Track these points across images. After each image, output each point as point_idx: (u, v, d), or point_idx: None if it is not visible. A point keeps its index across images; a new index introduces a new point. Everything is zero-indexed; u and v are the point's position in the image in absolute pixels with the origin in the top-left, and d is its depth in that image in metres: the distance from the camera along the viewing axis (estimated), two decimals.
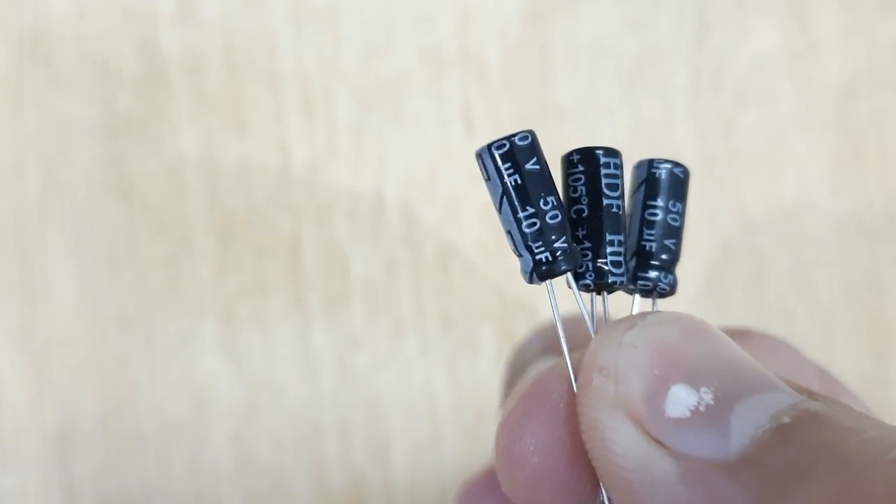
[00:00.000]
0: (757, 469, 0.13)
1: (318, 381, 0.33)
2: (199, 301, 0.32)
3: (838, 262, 0.35)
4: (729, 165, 0.35)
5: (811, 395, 0.14)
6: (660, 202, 0.17)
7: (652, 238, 0.17)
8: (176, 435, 0.32)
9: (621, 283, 0.17)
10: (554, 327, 0.16)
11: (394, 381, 0.33)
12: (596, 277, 0.16)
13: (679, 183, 0.17)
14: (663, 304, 0.18)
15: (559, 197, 0.16)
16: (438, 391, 0.33)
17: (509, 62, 0.34)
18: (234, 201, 0.33)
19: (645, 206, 0.17)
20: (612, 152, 0.17)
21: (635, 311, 0.17)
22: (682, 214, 0.17)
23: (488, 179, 0.16)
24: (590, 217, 0.16)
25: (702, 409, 0.14)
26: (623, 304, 0.18)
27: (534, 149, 0.16)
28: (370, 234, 0.33)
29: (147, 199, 0.33)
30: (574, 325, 0.17)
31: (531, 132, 0.16)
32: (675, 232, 0.17)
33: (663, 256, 0.17)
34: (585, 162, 0.17)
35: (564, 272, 0.16)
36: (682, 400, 0.14)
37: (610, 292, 0.17)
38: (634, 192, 0.17)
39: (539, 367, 0.20)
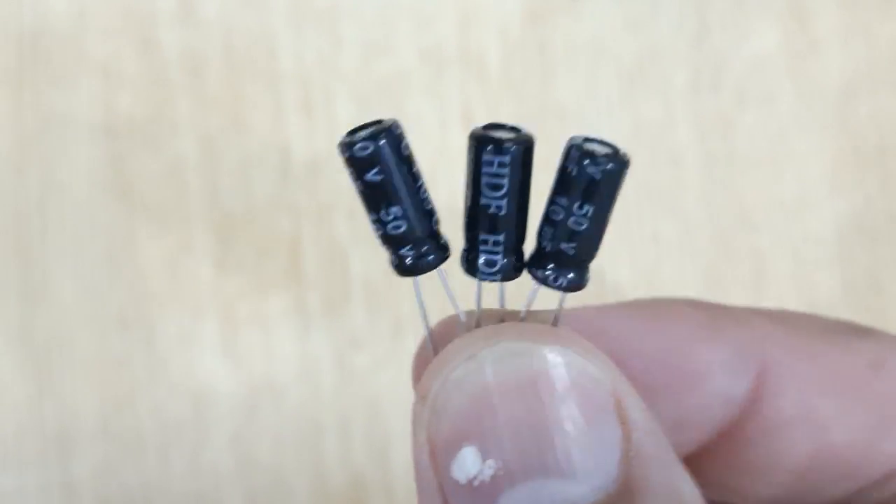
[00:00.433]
0: None
1: (318, 381, 0.33)
2: (199, 301, 0.32)
3: (838, 262, 0.35)
4: (729, 165, 0.35)
5: (621, 494, 0.14)
6: (563, 201, 0.15)
7: (547, 236, 0.15)
8: (176, 435, 0.32)
9: (493, 280, 0.15)
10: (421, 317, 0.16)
11: (394, 381, 0.33)
12: (467, 270, 0.16)
13: (593, 184, 0.14)
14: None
15: (414, 200, 0.15)
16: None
17: (509, 62, 0.34)
18: (234, 201, 0.33)
19: (550, 201, 0.15)
20: (498, 147, 0.14)
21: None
22: (593, 218, 0.15)
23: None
24: (470, 211, 0.15)
25: (475, 483, 0.14)
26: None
27: (374, 158, 0.15)
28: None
29: (147, 199, 0.33)
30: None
31: (386, 132, 0.15)
32: (578, 236, 0.15)
33: (559, 257, 0.15)
34: (471, 151, 0.15)
35: (412, 274, 0.15)
36: (466, 465, 0.14)
37: (511, 279, 0.16)
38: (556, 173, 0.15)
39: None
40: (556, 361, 0.14)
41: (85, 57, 0.33)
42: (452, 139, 0.34)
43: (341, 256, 0.33)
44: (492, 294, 0.16)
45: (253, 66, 0.33)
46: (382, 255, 0.17)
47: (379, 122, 0.15)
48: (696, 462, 0.19)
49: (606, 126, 0.35)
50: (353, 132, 0.15)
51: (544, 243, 0.15)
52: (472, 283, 0.16)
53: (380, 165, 0.15)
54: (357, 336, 0.33)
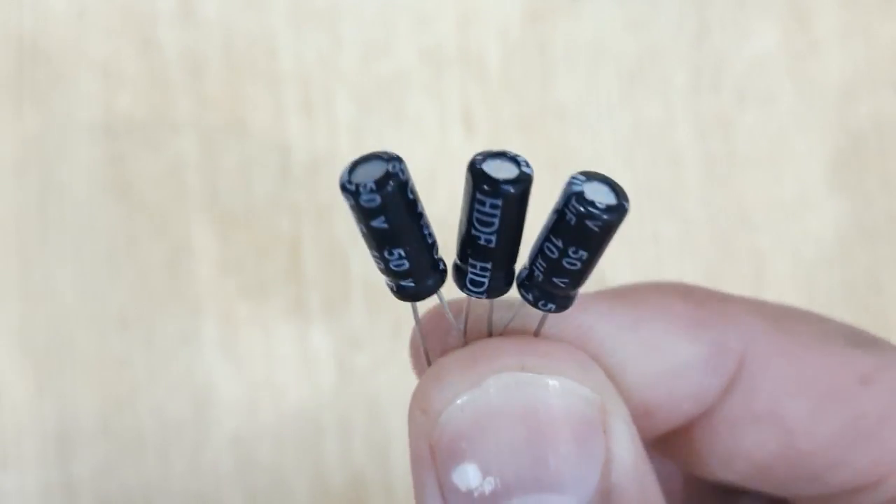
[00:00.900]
0: None
1: (318, 381, 0.33)
2: (199, 301, 0.32)
3: (838, 262, 0.35)
4: (729, 165, 0.35)
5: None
6: (559, 243, 0.15)
7: (541, 269, 0.15)
8: (176, 435, 0.32)
9: (479, 297, 0.16)
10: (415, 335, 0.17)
11: (394, 381, 0.33)
12: (455, 282, 0.16)
13: (590, 234, 0.15)
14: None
15: (416, 243, 0.15)
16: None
17: (509, 62, 0.34)
18: (234, 201, 0.33)
19: (546, 237, 0.15)
20: (493, 189, 0.15)
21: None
22: (587, 260, 0.15)
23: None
24: (463, 236, 0.16)
25: (475, 494, 0.15)
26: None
27: (381, 209, 0.14)
28: None
29: (147, 199, 0.33)
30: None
31: (392, 179, 0.14)
32: (570, 274, 0.15)
33: (550, 286, 0.15)
34: (468, 182, 0.15)
35: (412, 300, 0.16)
36: (468, 478, 0.15)
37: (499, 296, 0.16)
38: (553, 209, 0.15)
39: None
40: (556, 391, 0.15)
41: (85, 57, 0.33)
42: (452, 139, 0.34)
43: (341, 256, 0.33)
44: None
45: (253, 66, 0.33)
46: None
47: (381, 156, 0.15)
48: (662, 442, 0.19)
49: (606, 126, 0.35)
50: (353, 168, 0.15)
51: (537, 273, 0.16)
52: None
53: (385, 215, 0.15)
54: (357, 336, 0.33)
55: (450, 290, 0.16)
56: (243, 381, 0.32)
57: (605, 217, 0.15)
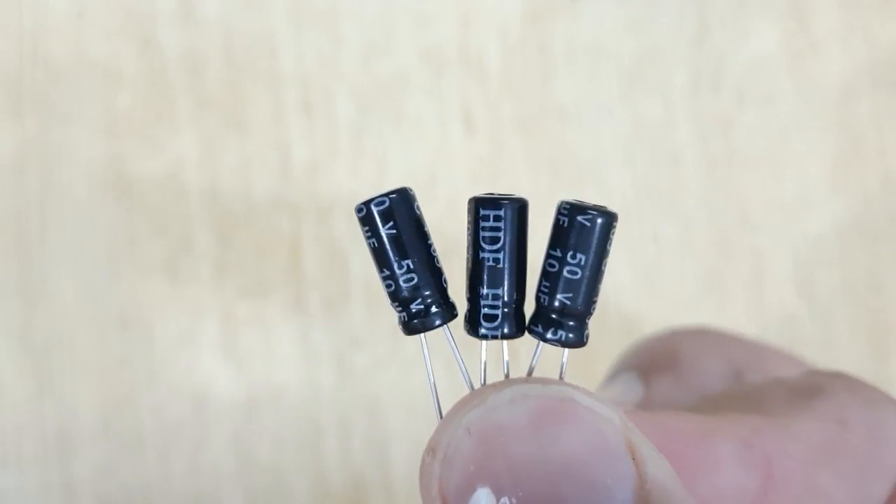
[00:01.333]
0: None
1: (318, 381, 0.33)
2: (199, 301, 0.32)
3: (838, 262, 0.35)
4: (729, 165, 0.35)
5: None
6: (558, 252, 0.16)
7: (546, 290, 0.16)
8: (176, 435, 0.32)
9: (494, 336, 0.16)
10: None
11: (394, 381, 0.33)
12: (469, 329, 0.17)
13: (585, 232, 0.16)
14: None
15: (424, 256, 0.16)
16: (439, 391, 0.33)
17: (509, 62, 0.34)
18: (234, 201, 0.33)
19: (546, 255, 0.16)
20: (494, 203, 0.16)
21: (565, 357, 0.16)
22: (585, 266, 0.16)
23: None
24: (470, 268, 0.16)
25: None
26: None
27: (389, 212, 0.16)
28: None
29: (147, 199, 0.33)
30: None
31: (398, 192, 0.16)
32: (573, 286, 0.16)
33: (556, 310, 0.16)
34: (471, 212, 0.16)
35: (419, 332, 0.16)
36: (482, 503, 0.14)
37: (513, 337, 0.16)
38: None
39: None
40: (567, 397, 0.14)
41: (85, 57, 0.33)
42: (452, 139, 0.34)
43: (341, 256, 0.33)
44: (495, 360, 0.17)
45: (253, 66, 0.33)
46: None
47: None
48: None
49: (606, 126, 0.35)
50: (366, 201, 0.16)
51: (542, 299, 0.16)
52: (475, 344, 0.17)
53: (394, 220, 0.16)
54: (357, 336, 0.33)
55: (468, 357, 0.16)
56: (243, 381, 0.32)
57: (594, 213, 0.16)
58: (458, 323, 0.17)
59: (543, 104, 0.34)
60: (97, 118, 0.33)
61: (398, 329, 0.17)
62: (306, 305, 0.33)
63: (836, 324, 0.34)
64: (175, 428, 0.32)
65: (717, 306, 0.34)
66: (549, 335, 0.16)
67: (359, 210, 0.16)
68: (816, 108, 0.35)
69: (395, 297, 0.16)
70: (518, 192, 0.16)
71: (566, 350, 0.16)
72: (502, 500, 0.14)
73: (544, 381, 0.15)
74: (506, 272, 0.16)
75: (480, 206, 0.16)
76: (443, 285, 0.16)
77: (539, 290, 0.16)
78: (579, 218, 0.16)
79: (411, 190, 0.16)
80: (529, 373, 0.17)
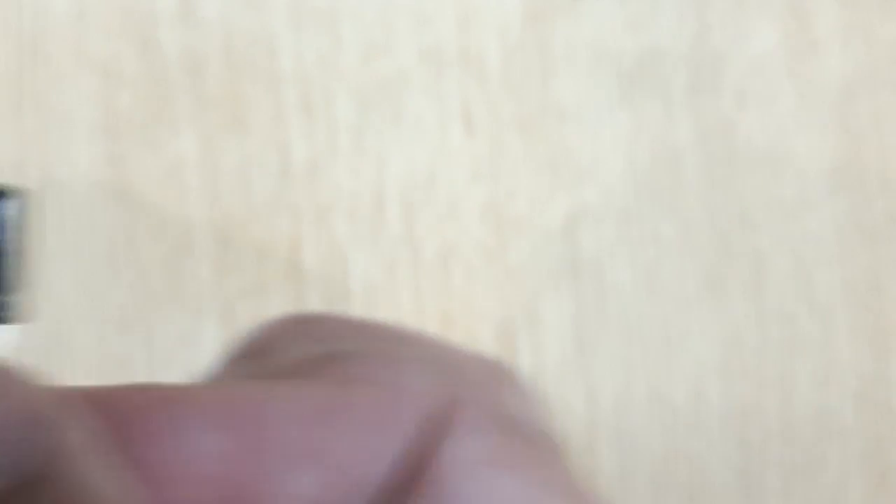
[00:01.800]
0: None
1: None
2: (199, 301, 0.32)
3: (838, 262, 0.35)
4: (729, 165, 0.35)
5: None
6: None
7: None
8: None
9: None
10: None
11: None
12: None
13: None
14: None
15: None
16: None
17: (509, 62, 0.34)
18: (234, 201, 0.33)
19: None
20: None
21: None
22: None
23: None
24: None
25: None
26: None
27: None
28: (370, 234, 0.33)
29: (147, 199, 0.33)
30: None
31: None
32: None
33: None
34: None
35: None
36: None
37: None
38: None
39: None
40: None
41: (85, 57, 0.33)
42: (452, 139, 0.34)
43: (341, 256, 0.33)
44: None
45: (253, 66, 0.33)
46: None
47: None
48: None
49: (606, 126, 0.35)
50: None
51: None
52: None
53: None
54: None
55: None
56: None
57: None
58: None
59: (543, 104, 0.34)
60: (97, 118, 0.33)
61: None
62: (306, 305, 0.33)
63: (836, 324, 0.34)
64: None
65: (717, 306, 0.34)
66: None
67: None
68: (816, 108, 0.35)
69: None
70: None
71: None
72: None
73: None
74: None
75: None
76: None
77: None
78: None
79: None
80: None
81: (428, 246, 0.33)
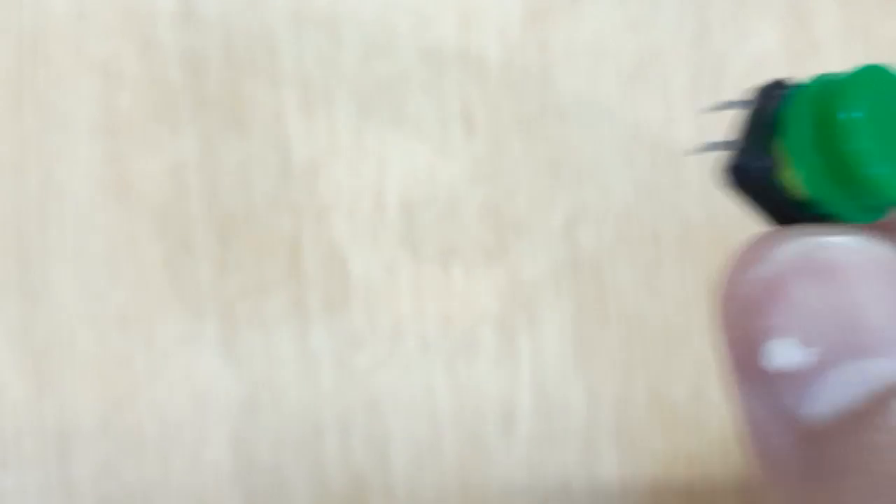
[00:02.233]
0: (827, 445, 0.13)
1: (318, 381, 0.33)
2: (199, 301, 0.32)
3: None
4: None
5: None
6: None
7: None
8: (176, 435, 0.32)
9: None
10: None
11: (394, 381, 0.33)
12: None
13: None
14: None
15: None
16: (438, 391, 0.33)
17: (509, 62, 0.34)
18: (234, 201, 0.33)
19: None
20: None
21: None
22: None
23: None
24: None
25: (789, 371, 0.14)
26: None
27: None
28: (370, 234, 0.33)
29: (147, 199, 0.33)
30: None
31: None
32: None
33: None
34: None
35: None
36: (776, 356, 0.14)
37: None
38: None
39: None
40: (850, 248, 0.14)
41: (85, 57, 0.33)
42: (452, 139, 0.34)
43: (341, 256, 0.33)
44: None
45: (253, 66, 0.33)
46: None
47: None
48: None
49: (606, 126, 0.35)
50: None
51: None
52: None
53: None
54: (357, 336, 0.33)
55: None
56: (243, 381, 0.32)
57: None
58: None
59: (543, 104, 0.34)
60: (97, 118, 0.33)
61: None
62: (306, 305, 0.33)
63: None
64: (175, 428, 0.32)
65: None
66: None
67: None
68: None
69: None
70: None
71: None
72: (797, 350, 0.14)
73: (826, 232, 0.15)
74: None
75: None
76: None
77: None
78: None
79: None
80: None
81: (428, 246, 0.33)
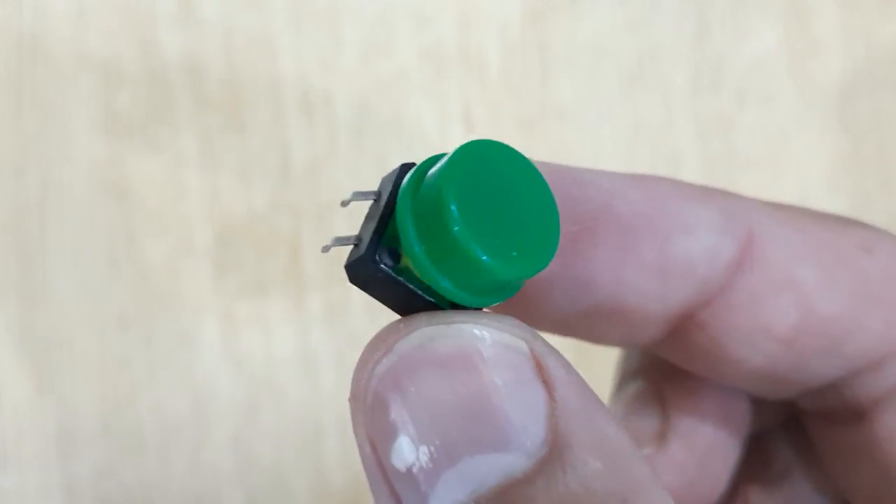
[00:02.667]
0: None
1: (318, 381, 0.33)
2: (199, 301, 0.32)
3: None
4: (729, 165, 0.35)
5: (553, 448, 0.13)
6: None
7: None
8: (176, 435, 0.32)
9: None
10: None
11: None
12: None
13: None
14: None
15: None
16: None
17: (509, 62, 0.35)
18: (234, 201, 0.33)
19: None
20: None
21: None
22: None
23: None
24: None
25: (415, 470, 0.13)
26: None
27: None
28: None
29: (147, 199, 0.33)
30: None
31: None
32: None
33: None
34: None
35: None
36: (403, 454, 0.13)
37: None
38: None
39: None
40: (471, 335, 0.14)
41: (85, 57, 0.33)
42: (452, 139, 0.34)
43: (341, 257, 0.33)
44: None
45: (253, 66, 0.33)
46: None
47: None
48: (683, 331, 0.19)
49: (606, 126, 0.35)
50: None
51: None
52: None
53: None
54: (357, 336, 0.33)
55: None
56: (243, 381, 0.32)
57: None
58: None
59: (543, 104, 0.35)
60: (97, 118, 0.33)
61: None
62: (306, 305, 0.33)
63: None
64: (175, 428, 0.32)
65: None
66: None
67: None
68: (816, 108, 0.35)
69: None
70: None
71: None
72: (421, 448, 0.13)
73: (447, 320, 0.14)
74: None
75: None
76: None
77: None
78: None
79: None
80: None
81: None
